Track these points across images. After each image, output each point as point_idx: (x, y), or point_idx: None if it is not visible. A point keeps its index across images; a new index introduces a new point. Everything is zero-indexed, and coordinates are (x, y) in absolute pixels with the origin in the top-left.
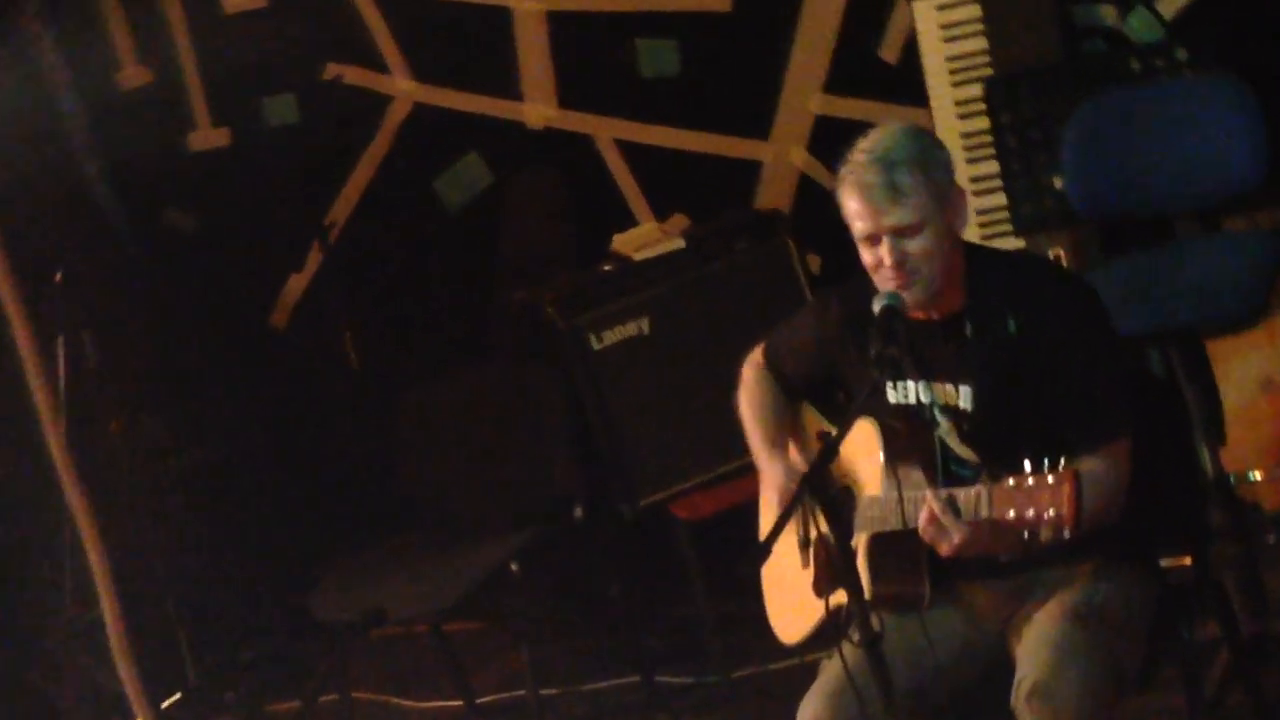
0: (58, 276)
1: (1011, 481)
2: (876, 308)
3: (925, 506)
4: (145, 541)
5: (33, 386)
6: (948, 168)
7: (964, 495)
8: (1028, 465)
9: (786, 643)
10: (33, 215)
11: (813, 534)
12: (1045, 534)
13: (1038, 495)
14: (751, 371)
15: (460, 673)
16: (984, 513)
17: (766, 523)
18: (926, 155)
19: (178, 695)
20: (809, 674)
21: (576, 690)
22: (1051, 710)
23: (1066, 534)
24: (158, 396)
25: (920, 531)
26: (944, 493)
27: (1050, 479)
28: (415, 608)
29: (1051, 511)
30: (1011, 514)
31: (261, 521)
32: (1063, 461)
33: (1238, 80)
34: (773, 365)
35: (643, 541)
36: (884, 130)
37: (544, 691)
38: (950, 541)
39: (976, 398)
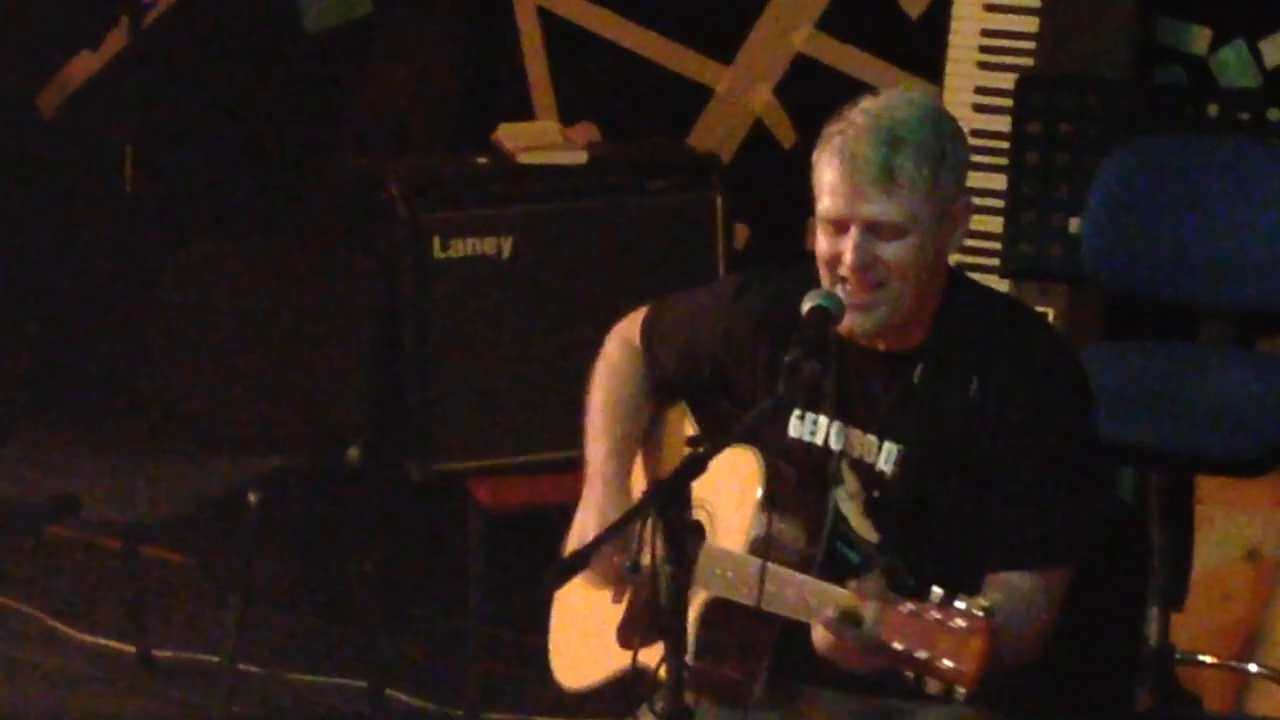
0: None
1: (910, 607)
2: (806, 307)
3: (822, 616)
4: None
5: None
6: (961, 171)
7: (855, 607)
8: (938, 591)
9: (566, 688)
10: None
11: (645, 561)
12: (933, 686)
13: (939, 637)
14: (619, 348)
15: (141, 611)
16: (876, 635)
17: (574, 547)
18: (944, 147)
19: None
20: None
21: (283, 676)
22: None
23: (960, 695)
24: None
25: (815, 642)
26: (841, 598)
27: (962, 622)
28: (113, 512)
29: (950, 663)
30: (899, 646)
31: None
32: (984, 597)
33: None
34: (649, 345)
35: (423, 516)
36: (901, 97)
37: (242, 666)
38: (848, 661)
39: (902, 462)
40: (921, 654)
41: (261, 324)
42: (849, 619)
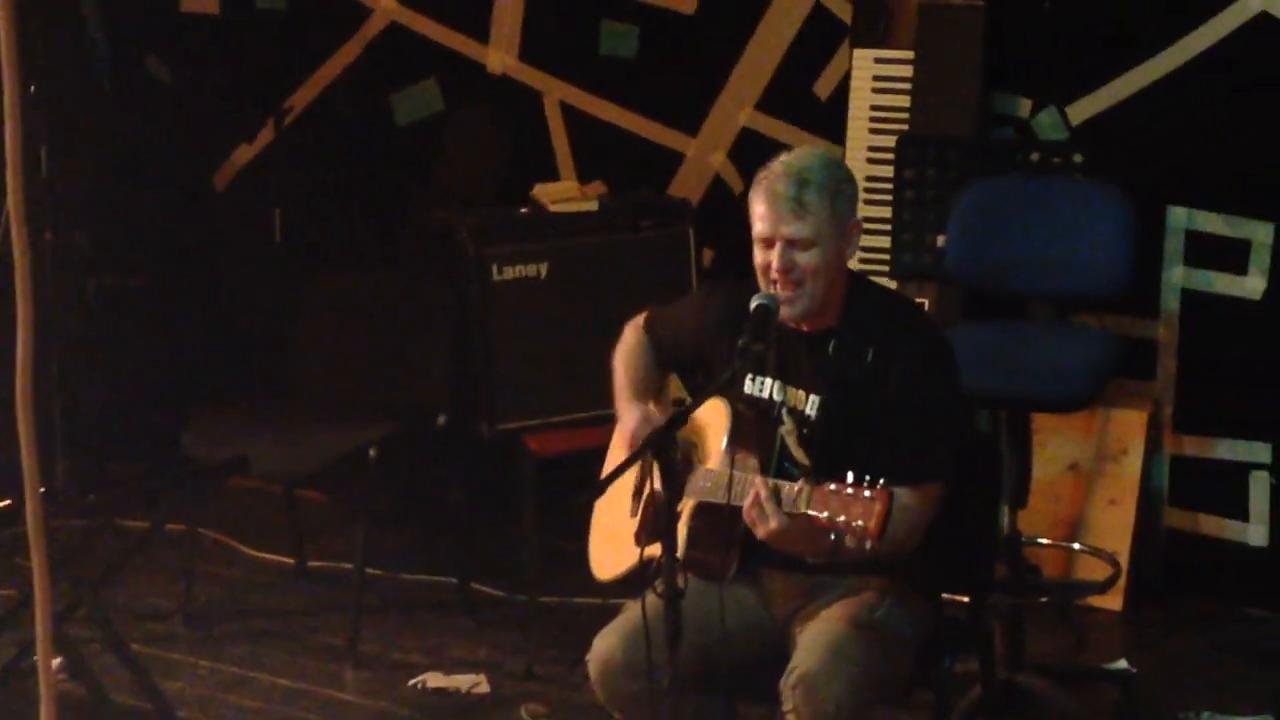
0: (31, 87)
1: (832, 486)
2: (753, 305)
3: (752, 489)
4: (48, 344)
5: (9, 187)
6: (852, 201)
7: (788, 488)
8: (850, 476)
9: (598, 579)
10: (22, 32)
11: (647, 488)
12: (850, 541)
13: (852, 504)
14: (632, 332)
15: (299, 535)
16: (802, 507)
17: (610, 467)
18: (837, 184)
19: (42, 489)
20: (609, 613)
21: (398, 577)
22: (813, 702)
23: (868, 547)
24: (94, 219)
25: (744, 511)
26: (771, 482)
27: (867, 493)
28: (276, 467)
29: (860, 522)
30: (825, 514)
31: (155, 352)
32: (881, 482)
33: (1121, 194)
34: (651, 334)
35: (491, 461)
36: (808, 150)
37: (369, 570)
38: (767, 526)
39: (822, 409)
40: (840, 518)
41: (373, 330)
42: (774, 494)
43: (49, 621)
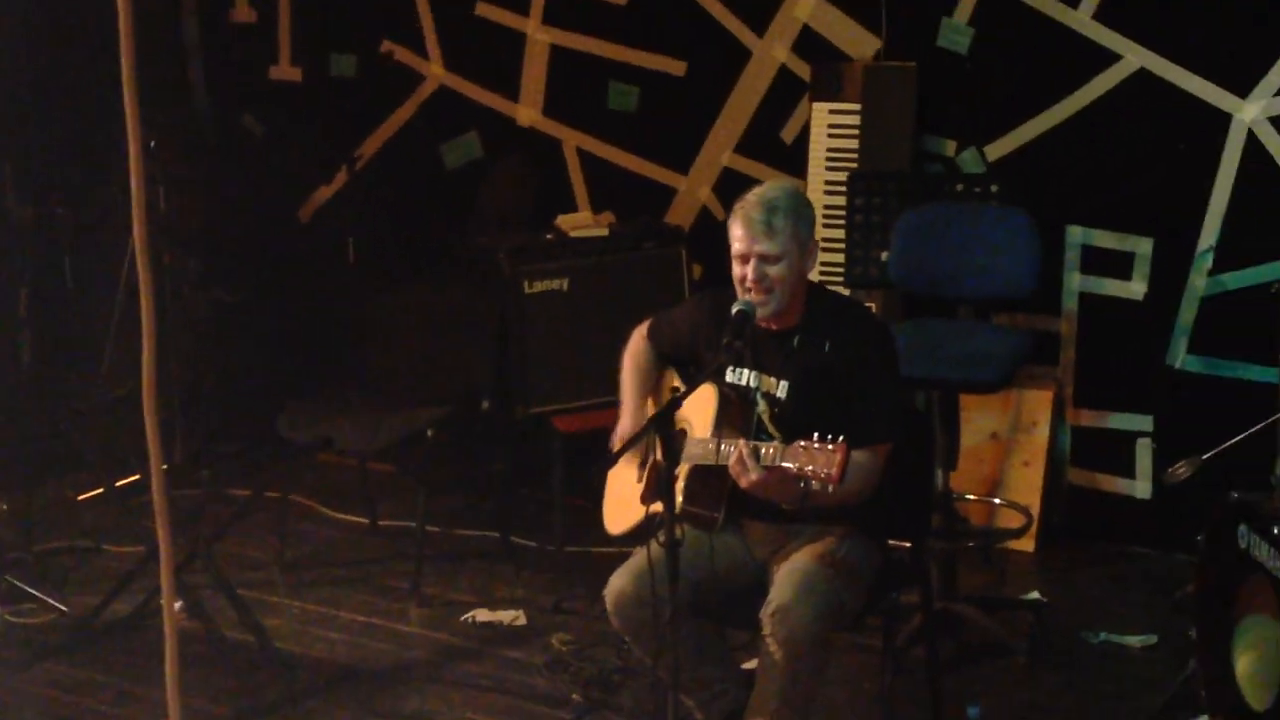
0: (151, 143)
1: (801, 443)
2: (734, 310)
3: (736, 450)
4: (166, 348)
5: (135, 221)
6: (812, 224)
7: (765, 448)
8: (815, 435)
9: (611, 533)
10: (144, 95)
11: (650, 459)
12: (816, 486)
13: (817, 455)
14: (637, 339)
15: (371, 500)
16: (776, 462)
17: (616, 447)
18: (799, 211)
19: (164, 465)
20: (621, 559)
21: (452, 532)
22: (787, 627)
23: (831, 490)
24: (203, 246)
25: (730, 468)
26: (751, 443)
27: (829, 446)
28: (353, 444)
29: (824, 470)
30: (795, 465)
31: (253, 354)
32: (840, 438)
33: (1029, 216)
34: (653, 337)
35: (526, 438)
36: (776, 184)
37: (428, 527)
38: (749, 477)
39: (790, 391)
40: (808, 468)
41: (429, 334)
42: (754, 453)
43: (171, 572)
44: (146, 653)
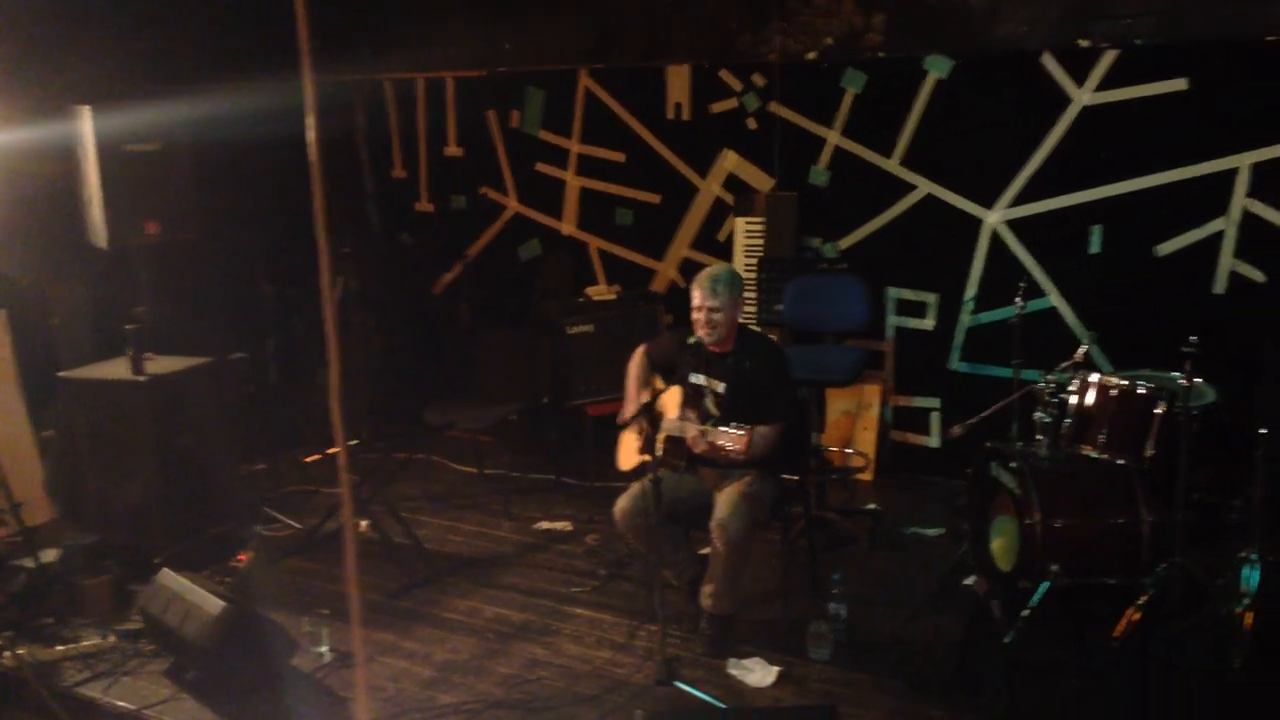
0: (345, 249)
1: (728, 428)
2: (691, 340)
3: (693, 429)
4: (349, 369)
5: (324, 295)
6: (740, 289)
7: (708, 429)
8: (733, 425)
9: (620, 470)
10: (336, 223)
11: (642, 429)
12: (733, 454)
13: (736, 435)
14: (637, 356)
15: (480, 457)
16: (713, 439)
17: (624, 419)
18: (734, 283)
19: (355, 441)
20: (624, 489)
21: (527, 476)
22: (725, 532)
23: (742, 457)
24: (376, 310)
25: (688, 440)
26: (701, 425)
27: (742, 430)
28: (468, 425)
29: (738, 446)
30: (721, 441)
31: (407, 372)
32: (747, 426)
33: (865, 282)
34: (648, 354)
35: (569, 420)
36: (720, 266)
37: (511, 472)
38: (699, 447)
39: (727, 389)
40: (729, 444)
41: (512, 357)
42: (702, 432)
43: (352, 507)
44: (343, 552)
